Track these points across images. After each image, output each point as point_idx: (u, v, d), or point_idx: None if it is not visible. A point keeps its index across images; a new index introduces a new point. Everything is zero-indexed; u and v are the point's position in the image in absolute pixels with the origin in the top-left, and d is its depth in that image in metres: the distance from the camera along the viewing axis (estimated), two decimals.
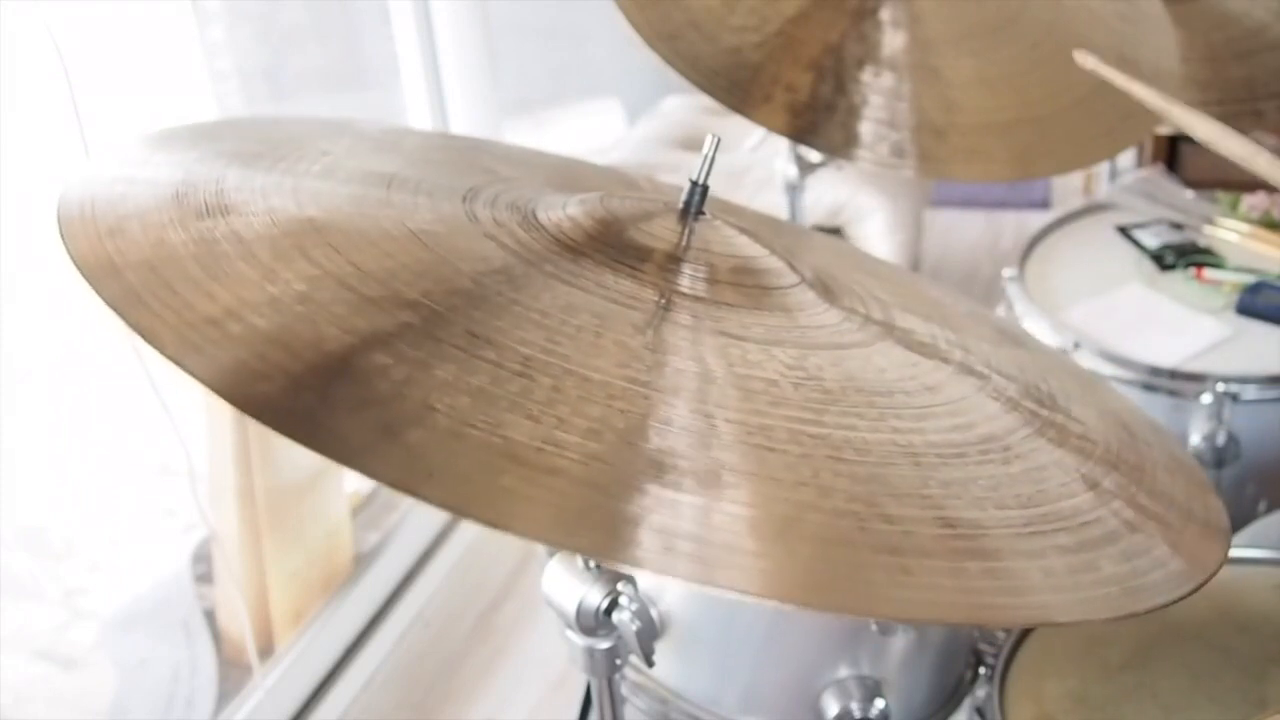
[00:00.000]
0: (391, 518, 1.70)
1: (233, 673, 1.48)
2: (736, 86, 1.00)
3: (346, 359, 0.49)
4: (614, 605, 0.66)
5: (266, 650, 1.47)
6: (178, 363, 0.47)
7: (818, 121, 1.00)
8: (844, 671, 0.82)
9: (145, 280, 0.52)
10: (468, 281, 0.57)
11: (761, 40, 1.03)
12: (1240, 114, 1.20)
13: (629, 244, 0.64)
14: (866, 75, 1.02)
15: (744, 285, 0.65)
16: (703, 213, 0.67)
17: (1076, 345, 1.15)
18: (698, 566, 0.45)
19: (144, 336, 0.49)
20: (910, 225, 2.10)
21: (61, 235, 0.55)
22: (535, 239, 0.63)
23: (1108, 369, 1.13)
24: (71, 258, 0.53)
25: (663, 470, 0.49)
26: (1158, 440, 0.71)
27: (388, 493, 1.71)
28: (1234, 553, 0.91)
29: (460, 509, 0.44)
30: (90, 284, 0.51)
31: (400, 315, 0.53)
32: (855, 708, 0.81)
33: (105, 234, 0.55)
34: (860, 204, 1.99)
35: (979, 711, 0.85)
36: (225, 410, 1.37)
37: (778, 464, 0.51)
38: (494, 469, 0.46)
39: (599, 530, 0.46)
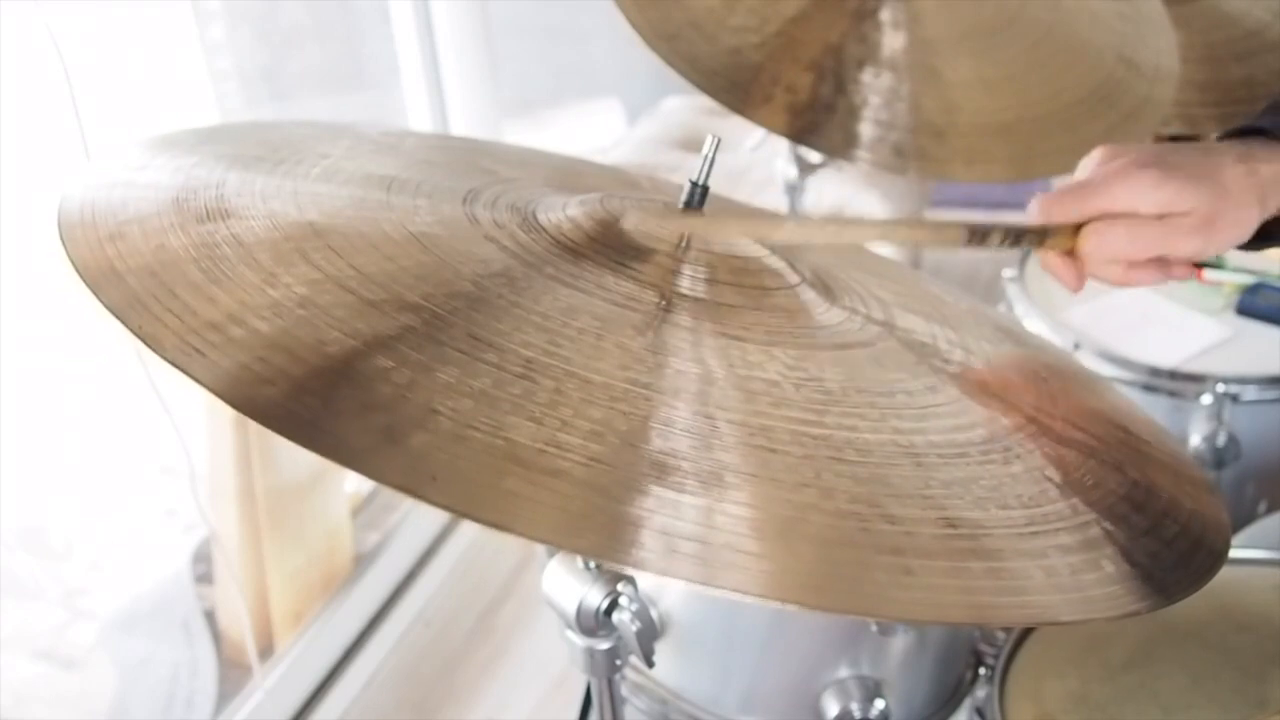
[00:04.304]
0: (391, 518, 1.70)
1: (233, 673, 1.48)
2: (736, 86, 1.00)
3: (349, 362, 0.49)
4: (614, 606, 0.66)
5: (266, 650, 1.47)
6: (180, 368, 0.47)
7: (818, 122, 1.00)
8: (844, 672, 0.82)
9: (146, 285, 0.52)
10: (469, 284, 0.57)
11: (761, 40, 1.03)
12: (1240, 114, 1.20)
13: (629, 245, 0.64)
14: (866, 75, 1.02)
15: (744, 286, 0.65)
16: (703, 213, 0.67)
17: (1076, 346, 1.15)
18: (700, 568, 0.45)
19: (146, 342, 0.49)
20: None
21: (62, 241, 0.55)
22: (536, 241, 0.63)
23: (1108, 370, 1.13)
24: (72, 263, 0.53)
25: (665, 472, 0.49)
26: (1158, 440, 0.72)
27: (388, 493, 1.71)
28: (1234, 553, 0.91)
29: (464, 511, 0.45)
30: (91, 290, 0.51)
31: (401, 318, 0.53)
32: (855, 708, 0.81)
33: (106, 239, 0.55)
34: (860, 204, 1.99)
35: (979, 712, 0.85)
36: (226, 411, 1.37)
37: (779, 465, 0.51)
38: (497, 471, 0.46)
39: (602, 531, 0.46)
